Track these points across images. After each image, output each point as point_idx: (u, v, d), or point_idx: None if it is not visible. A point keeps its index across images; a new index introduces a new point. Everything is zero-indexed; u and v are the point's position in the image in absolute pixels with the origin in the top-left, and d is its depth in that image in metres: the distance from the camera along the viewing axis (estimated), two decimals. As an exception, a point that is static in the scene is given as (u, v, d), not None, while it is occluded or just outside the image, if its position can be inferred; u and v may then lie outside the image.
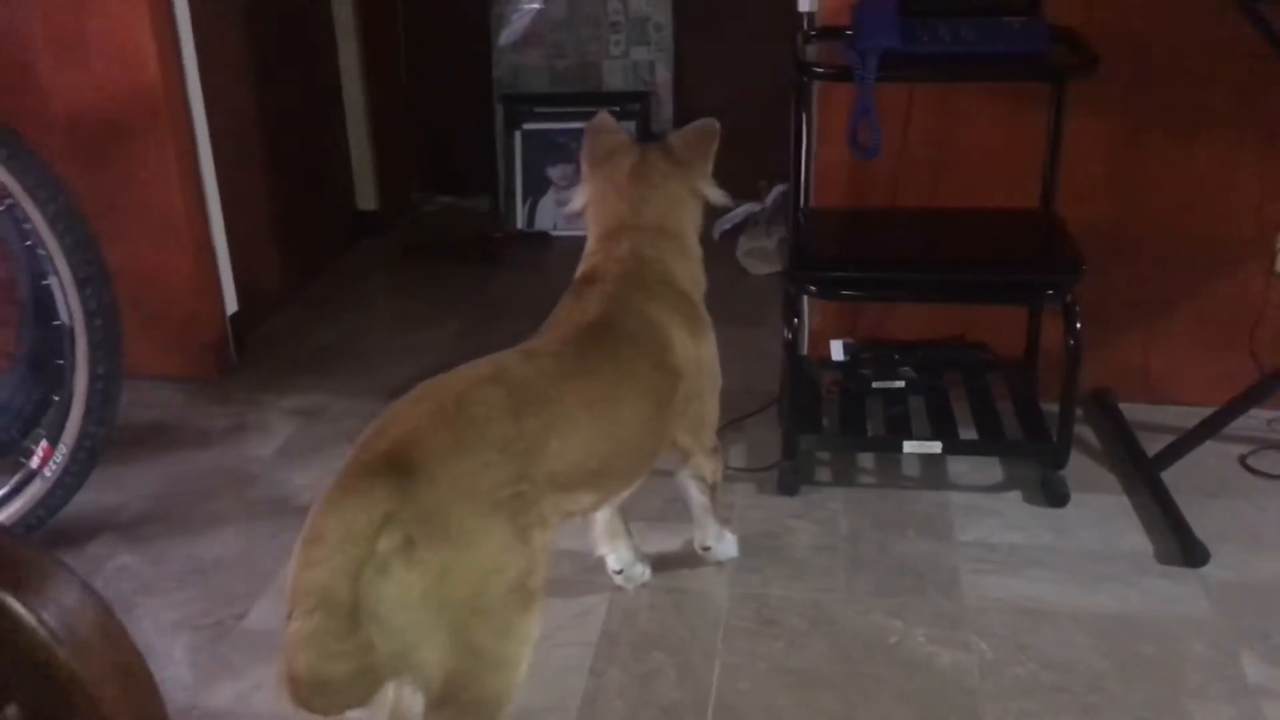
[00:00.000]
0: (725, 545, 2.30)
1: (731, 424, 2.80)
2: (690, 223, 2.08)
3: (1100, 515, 2.42)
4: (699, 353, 2.02)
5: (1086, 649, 2.03)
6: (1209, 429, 2.47)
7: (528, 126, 4.22)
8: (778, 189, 3.90)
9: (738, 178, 3.99)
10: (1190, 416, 2.54)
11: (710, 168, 2.10)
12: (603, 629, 2.13)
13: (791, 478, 2.52)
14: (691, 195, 2.07)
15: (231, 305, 3.21)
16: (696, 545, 2.30)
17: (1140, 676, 1.97)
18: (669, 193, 2.03)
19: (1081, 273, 2.33)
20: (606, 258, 1.97)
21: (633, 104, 4.24)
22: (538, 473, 1.60)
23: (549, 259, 4.11)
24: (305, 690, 1.41)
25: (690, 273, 2.06)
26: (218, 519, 2.52)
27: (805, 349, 2.92)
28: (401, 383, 3.15)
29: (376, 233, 4.16)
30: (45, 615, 1.03)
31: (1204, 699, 1.92)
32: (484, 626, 1.52)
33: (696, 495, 2.24)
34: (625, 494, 2.00)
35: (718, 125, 2.08)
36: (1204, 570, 2.22)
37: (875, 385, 2.69)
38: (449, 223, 4.31)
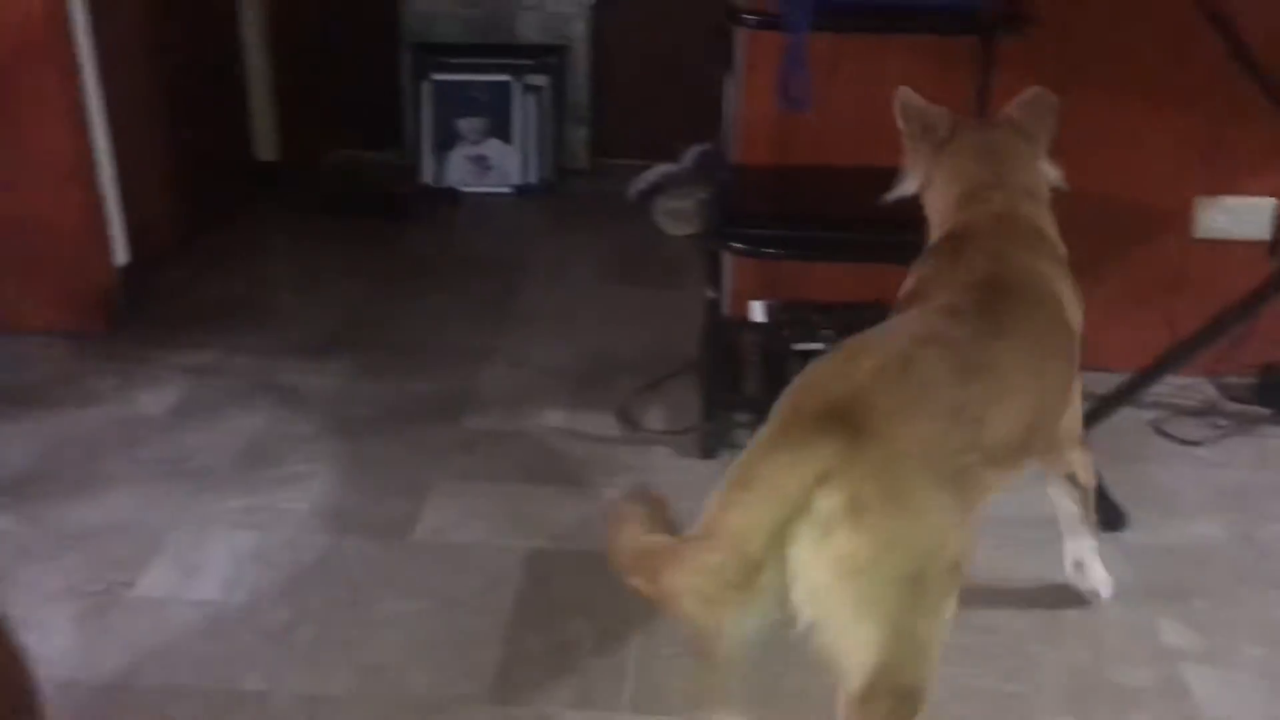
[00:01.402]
0: (1097, 570, 2.05)
1: (649, 386, 2.74)
2: (1047, 192, 1.93)
3: (1022, 480, 2.40)
4: (1079, 314, 1.84)
5: (1009, 614, 2.02)
6: (1124, 395, 2.47)
7: (437, 77, 4.07)
8: (696, 149, 3.83)
9: (655, 136, 3.98)
10: (1109, 382, 2.54)
11: (1050, 143, 1.96)
12: (517, 594, 2.05)
13: (711, 440, 2.46)
14: (1041, 168, 1.93)
15: (122, 256, 3.03)
16: (1068, 564, 2.06)
17: (1062, 639, 1.96)
18: (1028, 164, 1.90)
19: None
20: (976, 214, 1.81)
21: (548, 58, 4.12)
22: (982, 444, 1.47)
23: (459, 215, 3.98)
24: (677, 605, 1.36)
25: (1058, 233, 1.90)
26: (105, 480, 2.36)
27: (726, 310, 2.86)
28: (304, 340, 3.07)
29: (277, 186, 3.98)
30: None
31: (1123, 662, 1.91)
32: (920, 607, 1.37)
33: (1067, 502, 2.02)
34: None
35: (1056, 98, 1.95)
36: (1122, 535, 2.22)
37: (795, 346, 2.63)
38: (354, 176, 4.15)
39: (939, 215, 1.90)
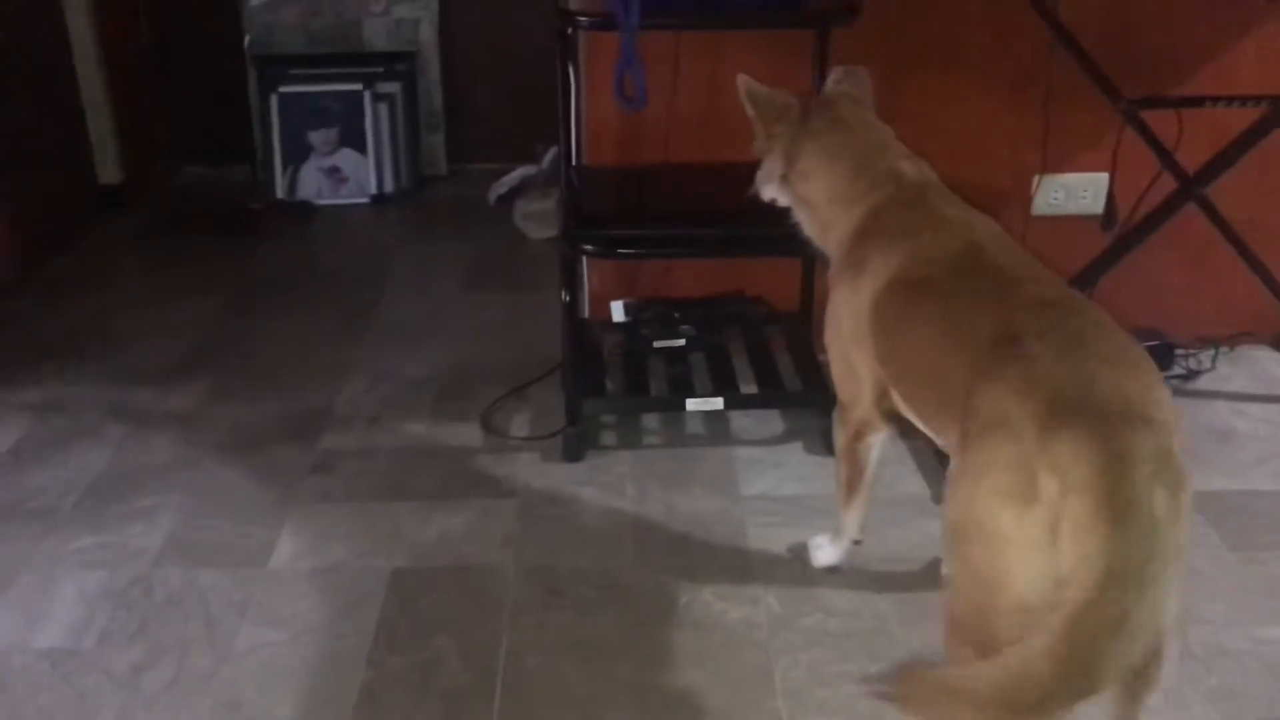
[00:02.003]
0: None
1: (514, 392, 2.71)
2: None
3: (879, 460, 2.44)
4: None
5: (870, 594, 2.05)
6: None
7: (285, 89, 3.98)
8: (554, 150, 3.81)
9: (513, 139, 3.95)
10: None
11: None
12: (380, 616, 2.00)
13: (576, 444, 2.45)
14: None
15: (-49, 291, 2.89)
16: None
17: (922, 616, 1.99)
18: (888, 131, 1.94)
19: (850, 222, 2.33)
20: (901, 185, 1.81)
21: (398, 64, 4.06)
22: None
23: (315, 228, 3.90)
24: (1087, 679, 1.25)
25: None
26: (-60, 529, 2.25)
27: (586, 312, 2.86)
28: (154, 366, 2.96)
29: (123, 207, 3.84)
30: None
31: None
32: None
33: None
34: None
35: (865, 69, 2.02)
36: (977, 508, 2.27)
37: (657, 345, 2.65)
38: (204, 194, 4.03)
39: (826, 196, 1.88)
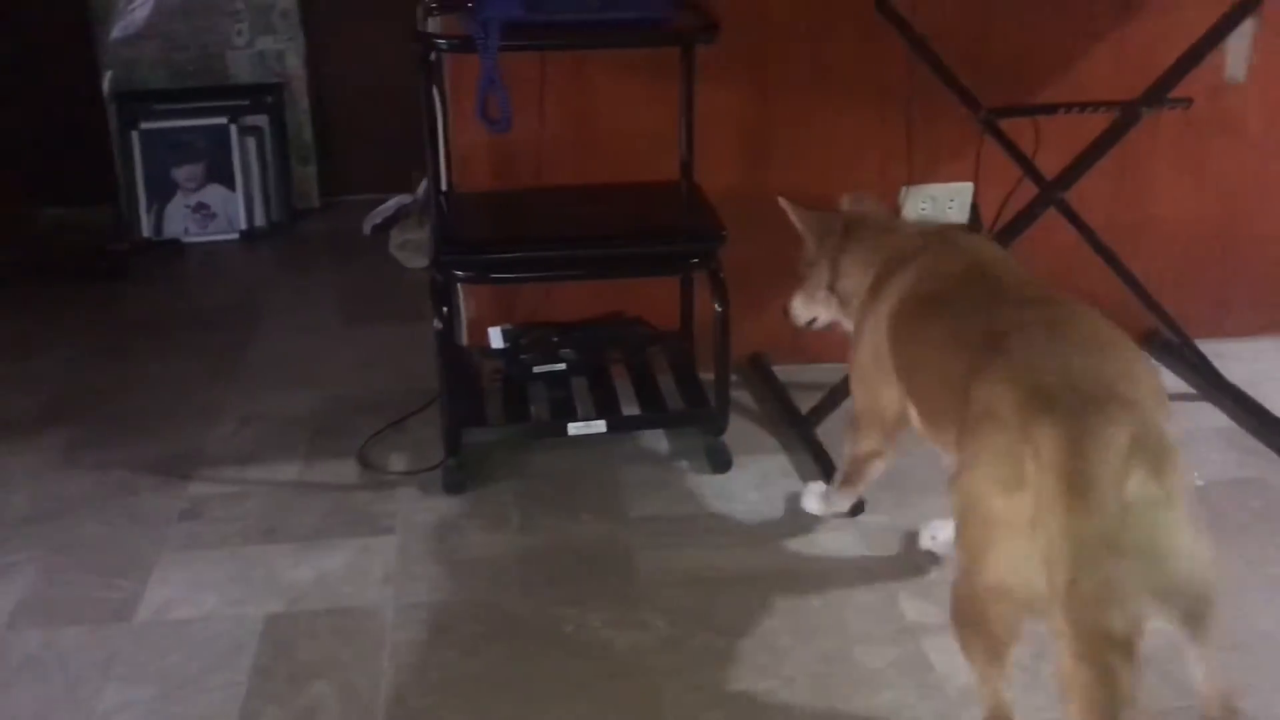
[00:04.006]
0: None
1: (392, 425, 2.65)
2: None
3: (763, 476, 2.45)
4: None
5: (758, 610, 2.03)
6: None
7: (146, 126, 3.85)
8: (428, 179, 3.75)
9: (387, 169, 3.87)
10: (837, 372, 2.61)
11: None
12: (254, 665, 1.92)
13: (457, 475, 2.39)
14: None
15: None
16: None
17: (810, 629, 1.99)
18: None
19: (722, 239, 2.34)
20: (920, 236, 2.03)
21: (265, 96, 3.96)
22: None
23: (183, 267, 3.77)
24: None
25: None
26: None
27: (465, 339, 2.81)
28: (10, 418, 2.80)
29: (-25, 253, 3.66)
30: None
31: (870, 643, 1.95)
32: None
33: None
34: None
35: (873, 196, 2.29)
36: (861, 519, 2.28)
37: (537, 370, 2.60)
38: (64, 236, 3.86)
39: (861, 277, 2.08)
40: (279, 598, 2.09)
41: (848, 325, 2.15)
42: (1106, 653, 1.34)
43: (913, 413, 1.91)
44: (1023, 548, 1.41)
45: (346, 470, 2.51)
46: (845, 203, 2.21)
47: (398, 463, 2.52)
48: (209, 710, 1.83)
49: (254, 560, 2.20)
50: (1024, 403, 1.44)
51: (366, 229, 3.86)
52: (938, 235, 2.02)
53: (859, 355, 2.05)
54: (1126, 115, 2.43)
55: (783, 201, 2.17)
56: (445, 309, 2.32)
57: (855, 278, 2.08)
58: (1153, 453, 1.39)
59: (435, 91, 2.42)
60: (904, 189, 2.82)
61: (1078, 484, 1.35)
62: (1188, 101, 2.50)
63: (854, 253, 2.09)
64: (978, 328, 1.64)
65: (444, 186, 2.52)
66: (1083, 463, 1.36)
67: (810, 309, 2.22)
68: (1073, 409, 1.40)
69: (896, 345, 1.90)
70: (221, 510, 2.37)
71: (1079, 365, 1.48)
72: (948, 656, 1.89)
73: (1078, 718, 1.37)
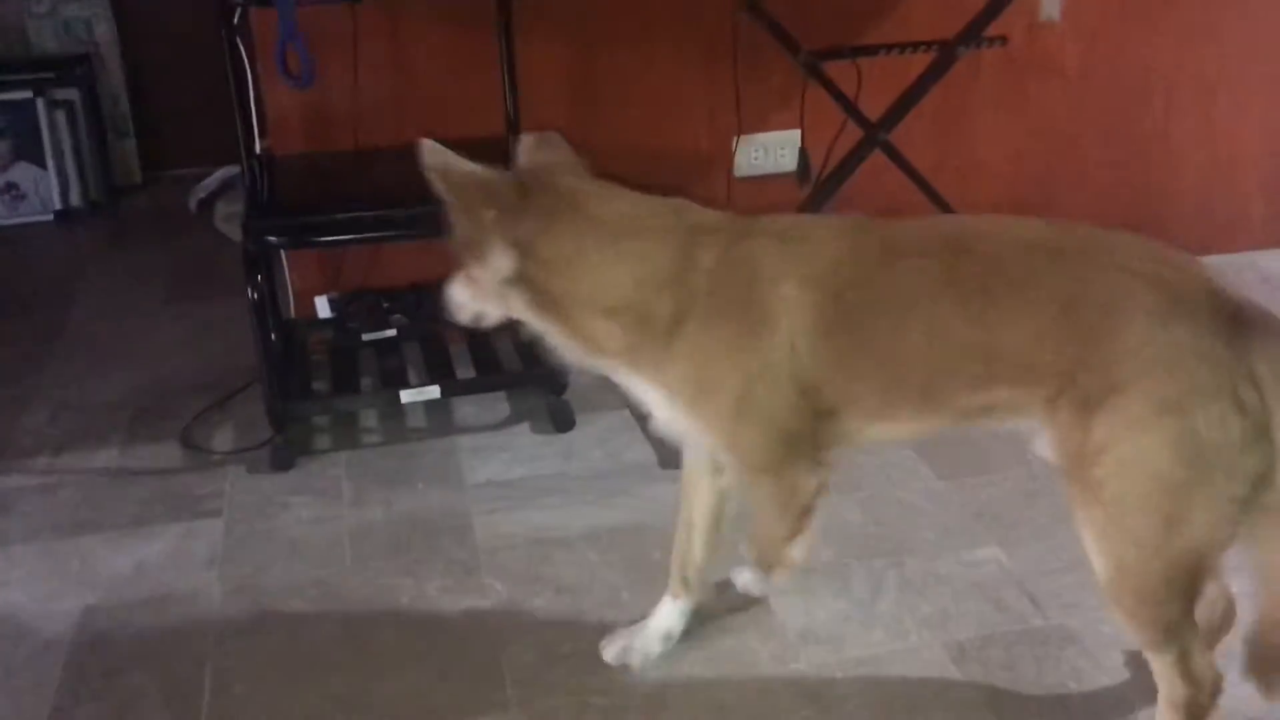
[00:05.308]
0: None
1: (216, 405, 2.53)
2: None
3: (605, 433, 2.41)
4: None
5: (600, 566, 2.00)
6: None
7: (-60, 103, 3.60)
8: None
9: (211, 141, 3.69)
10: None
11: None
12: (67, 661, 1.81)
13: (284, 451, 2.30)
14: None
15: None
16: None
17: (652, 582, 1.95)
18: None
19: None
20: (722, 228, 1.53)
21: (74, 68, 3.74)
22: None
23: (-8, 253, 3.55)
24: None
25: None
26: None
27: (292, 311, 2.70)
28: None
29: None
30: None
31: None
32: None
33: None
34: None
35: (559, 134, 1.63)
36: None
37: (366, 338, 2.52)
38: None
39: (622, 282, 1.50)
40: (95, 590, 1.97)
41: (574, 343, 1.55)
42: None
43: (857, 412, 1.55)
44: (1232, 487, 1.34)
45: (169, 453, 2.39)
46: (525, 148, 1.59)
47: (223, 442, 2.41)
48: (19, 711, 1.71)
49: (68, 553, 2.07)
50: (1221, 330, 1.33)
51: (192, 204, 3.69)
52: (724, 222, 1.55)
53: (740, 392, 1.50)
54: (945, 55, 2.45)
55: (425, 144, 1.47)
56: (259, 278, 2.22)
57: (587, 274, 1.50)
58: None
59: (243, 51, 2.30)
60: (735, 139, 2.81)
61: None
62: (1003, 40, 2.54)
63: (563, 236, 1.50)
64: (1040, 289, 1.41)
65: (258, 151, 2.41)
66: None
67: (480, 302, 1.58)
68: (1262, 318, 1.35)
69: (844, 352, 1.49)
70: (32, 503, 2.23)
71: (1180, 271, 1.39)
72: (786, 597, 1.90)
73: None
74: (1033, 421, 1.47)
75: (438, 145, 1.47)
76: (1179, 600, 1.41)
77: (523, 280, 1.51)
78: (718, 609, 1.88)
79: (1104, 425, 1.36)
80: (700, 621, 1.85)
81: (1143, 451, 1.35)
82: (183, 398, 2.58)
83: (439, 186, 1.48)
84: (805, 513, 1.62)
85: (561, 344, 1.57)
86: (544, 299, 1.52)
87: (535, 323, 1.56)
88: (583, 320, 1.52)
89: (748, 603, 1.90)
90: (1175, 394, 1.33)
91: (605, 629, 1.85)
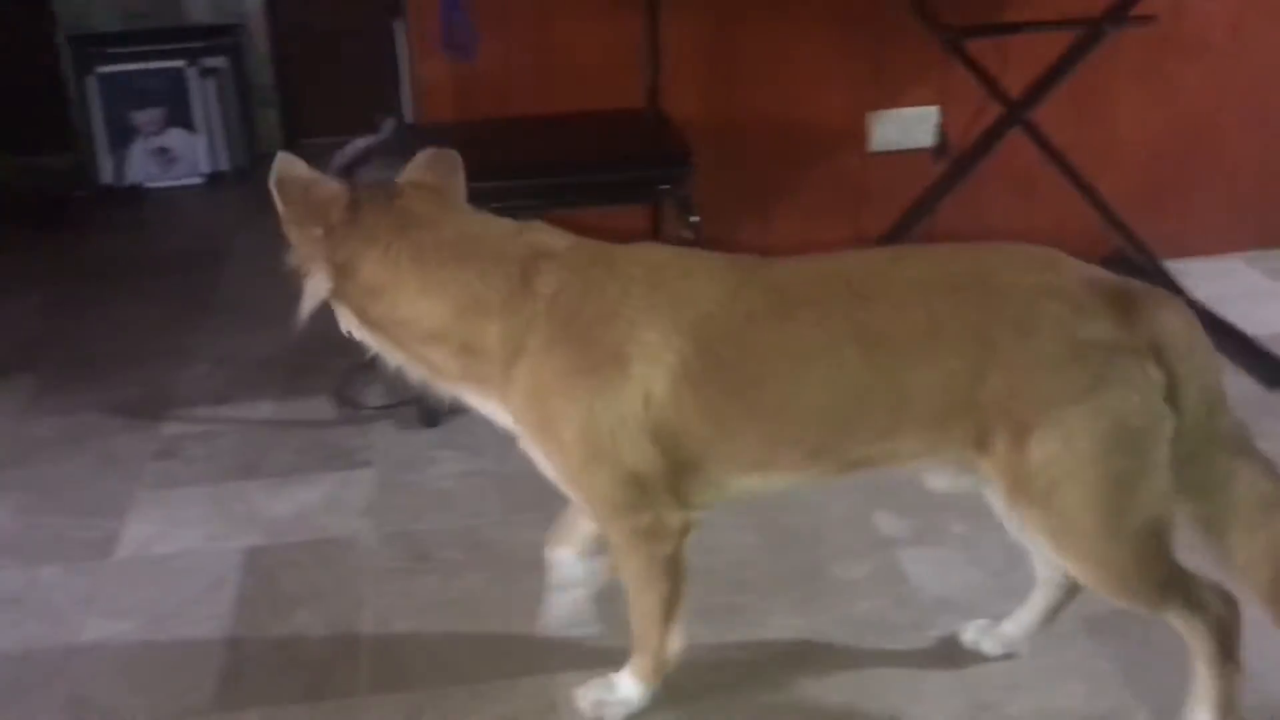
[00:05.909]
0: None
1: (365, 363, 2.62)
2: None
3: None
4: None
5: (731, 528, 2.05)
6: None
7: (103, 70, 3.79)
8: (394, 118, 3.71)
9: (351, 110, 3.82)
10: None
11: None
12: (237, 597, 1.93)
13: (432, 408, 2.39)
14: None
15: None
16: None
17: (786, 546, 2.01)
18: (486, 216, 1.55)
19: (691, 166, 2.34)
20: (568, 258, 1.47)
21: (223, 38, 3.90)
22: None
23: (145, 213, 3.73)
24: None
25: None
26: None
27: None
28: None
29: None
30: None
31: (845, 557, 1.98)
32: None
33: None
34: None
35: (456, 153, 1.62)
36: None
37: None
38: (22, 184, 3.80)
39: (443, 310, 1.45)
40: (259, 531, 2.10)
41: (411, 367, 1.53)
42: None
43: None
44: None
45: (321, 407, 2.51)
46: (414, 164, 1.58)
47: (373, 397, 2.52)
48: (193, 641, 1.84)
49: (232, 496, 2.20)
50: (1117, 317, 1.39)
51: (332, 171, 3.81)
52: (574, 248, 1.48)
53: (592, 438, 1.43)
54: (1091, 33, 2.44)
55: (281, 157, 1.47)
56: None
57: (410, 299, 1.45)
58: None
59: (398, 19, 2.39)
60: (870, 114, 2.82)
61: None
62: (1151, 19, 2.51)
63: (378, 260, 1.45)
64: (964, 319, 1.40)
65: (410, 119, 2.50)
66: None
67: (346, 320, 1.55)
68: (1143, 292, 1.44)
69: (722, 393, 1.43)
70: (196, 449, 2.37)
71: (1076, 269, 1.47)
72: (921, 566, 1.93)
73: None
74: (943, 462, 1.48)
75: (291, 156, 1.47)
76: (1156, 564, 1.45)
77: (345, 301, 1.50)
78: (846, 575, 1.93)
79: (1040, 443, 1.39)
80: (836, 588, 1.89)
81: (1081, 456, 1.39)
82: (331, 355, 2.66)
83: (275, 198, 1.45)
84: (673, 566, 1.51)
85: (402, 367, 1.55)
86: (369, 322, 1.51)
87: (371, 344, 1.55)
88: (411, 346, 1.50)
89: (877, 568, 1.95)
90: (1099, 394, 1.37)
91: (740, 588, 1.91)
